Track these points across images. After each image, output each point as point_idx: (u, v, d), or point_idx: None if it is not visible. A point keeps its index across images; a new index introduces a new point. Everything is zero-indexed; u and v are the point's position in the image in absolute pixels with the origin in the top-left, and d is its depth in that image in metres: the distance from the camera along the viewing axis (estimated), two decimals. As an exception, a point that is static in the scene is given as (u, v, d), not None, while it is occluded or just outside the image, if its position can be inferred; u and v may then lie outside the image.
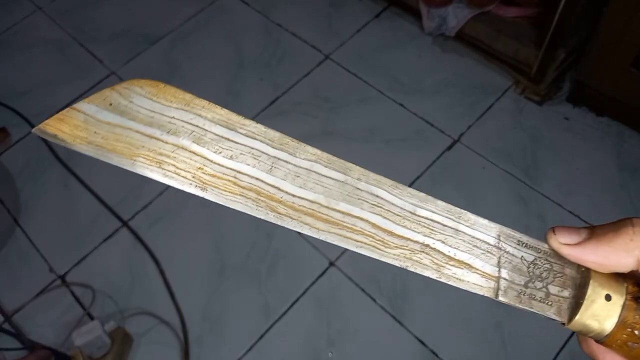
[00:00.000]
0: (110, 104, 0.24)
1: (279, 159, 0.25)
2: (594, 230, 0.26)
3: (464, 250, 0.26)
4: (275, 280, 1.16)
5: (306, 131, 1.35)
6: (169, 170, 0.24)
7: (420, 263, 0.25)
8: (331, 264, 1.17)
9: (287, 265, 1.18)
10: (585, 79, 1.27)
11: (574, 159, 1.27)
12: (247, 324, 1.12)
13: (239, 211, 0.25)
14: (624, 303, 0.25)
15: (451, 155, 1.29)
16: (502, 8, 1.34)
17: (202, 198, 0.25)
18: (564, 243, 0.26)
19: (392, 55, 1.47)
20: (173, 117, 0.25)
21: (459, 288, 0.26)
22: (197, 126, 0.24)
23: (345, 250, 1.15)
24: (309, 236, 0.25)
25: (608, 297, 0.25)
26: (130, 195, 1.29)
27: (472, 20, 1.35)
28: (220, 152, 0.25)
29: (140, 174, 0.25)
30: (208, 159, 0.24)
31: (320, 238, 0.25)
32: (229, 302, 1.15)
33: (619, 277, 0.25)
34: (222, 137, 0.25)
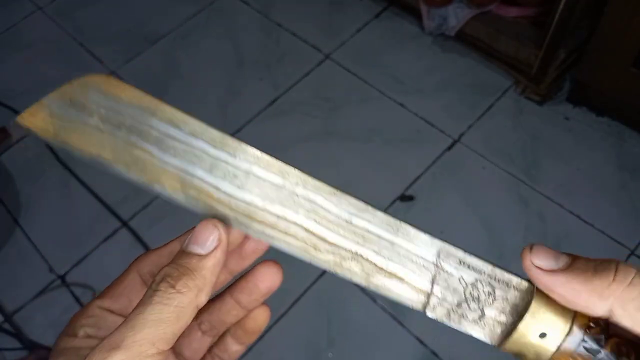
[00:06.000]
0: (70, 100, 0.25)
1: (219, 159, 0.25)
2: (574, 262, 0.23)
3: (397, 262, 0.26)
4: (275, 280, 1.16)
5: (306, 131, 1.35)
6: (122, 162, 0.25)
7: (350, 270, 0.26)
8: (331, 264, 1.17)
9: (287, 265, 1.18)
10: (586, 79, 1.27)
11: (574, 159, 1.27)
12: (247, 324, 1.12)
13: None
14: (559, 346, 0.23)
15: (451, 155, 1.29)
16: (502, 8, 1.34)
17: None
18: (537, 266, 0.23)
19: (393, 55, 1.47)
20: (129, 115, 0.25)
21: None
22: (141, 122, 0.25)
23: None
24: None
25: (543, 335, 0.23)
26: (130, 195, 1.29)
27: (472, 20, 1.35)
28: (166, 151, 0.25)
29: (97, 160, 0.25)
30: (154, 155, 0.25)
31: (254, 237, 0.26)
32: (229, 302, 1.15)
33: (567, 313, 0.23)
34: (166, 133, 0.25)
